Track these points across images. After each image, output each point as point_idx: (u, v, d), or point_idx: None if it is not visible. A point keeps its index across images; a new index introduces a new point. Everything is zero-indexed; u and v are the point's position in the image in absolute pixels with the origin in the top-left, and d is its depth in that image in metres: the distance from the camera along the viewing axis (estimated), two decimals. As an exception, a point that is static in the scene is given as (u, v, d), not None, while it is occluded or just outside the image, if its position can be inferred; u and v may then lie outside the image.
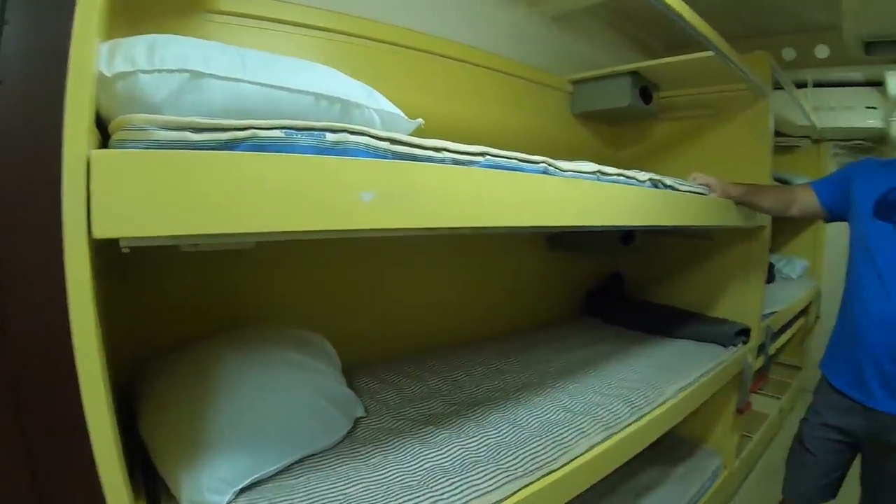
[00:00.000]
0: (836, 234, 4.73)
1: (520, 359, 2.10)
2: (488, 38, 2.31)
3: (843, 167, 2.11)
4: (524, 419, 1.55)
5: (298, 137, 0.81)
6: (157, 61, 0.83)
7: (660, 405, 1.81)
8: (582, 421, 1.56)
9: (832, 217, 2.08)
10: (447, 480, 1.20)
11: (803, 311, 4.20)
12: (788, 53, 3.03)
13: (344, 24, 1.76)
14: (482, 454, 1.33)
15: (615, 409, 1.67)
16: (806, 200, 2.11)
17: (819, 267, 5.08)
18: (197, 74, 0.85)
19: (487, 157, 1.07)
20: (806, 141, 4.79)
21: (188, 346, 1.35)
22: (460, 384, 1.80)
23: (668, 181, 1.69)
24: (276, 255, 1.71)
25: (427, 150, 0.97)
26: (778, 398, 4.07)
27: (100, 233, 0.66)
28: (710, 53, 2.10)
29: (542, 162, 1.20)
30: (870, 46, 2.66)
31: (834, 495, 2.00)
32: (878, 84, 4.05)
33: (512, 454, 1.34)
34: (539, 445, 1.39)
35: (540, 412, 1.61)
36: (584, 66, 2.77)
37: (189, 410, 1.13)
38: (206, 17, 1.48)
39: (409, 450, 1.33)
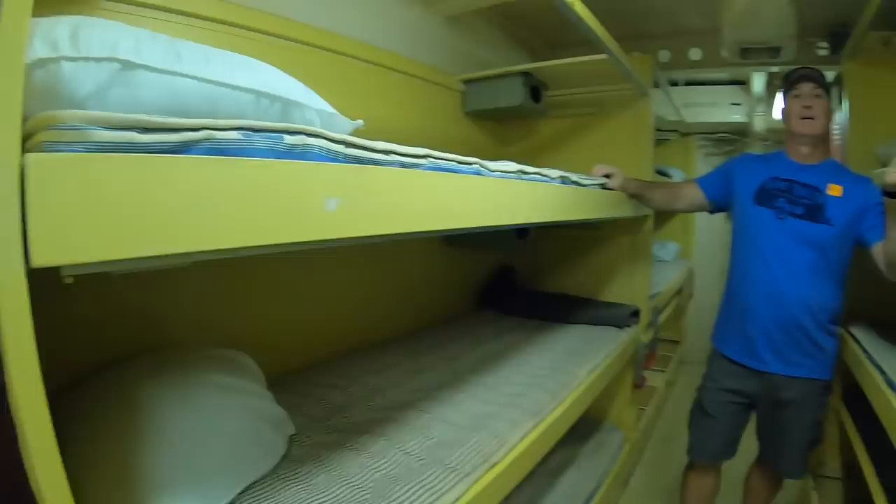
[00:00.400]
0: (703, 220, 5.32)
1: (432, 357, 2.08)
2: (384, 36, 2.25)
3: (723, 163, 2.35)
4: (454, 416, 1.54)
5: (257, 140, 0.72)
6: (83, 47, 0.70)
7: (576, 388, 1.89)
8: (510, 412, 1.58)
9: (716, 208, 2.34)
10: (402, 488, 1.15)
11: (679, 291, 4.57)
12: (664, 55, 3.24)
13: (239, 17, 1.63)
14: (426, 456, 1.30)
15: (536, 396, 1.71)
16: (693, 195, 2.35)
17: (689, 249, 5.62)
18: (128, 65, 0.73)
19: (430, 159, 1.03)
20: (675, 134, 5.20)
21: (100, 380, 1.19)
22: (380, 389, 1.74)
23: (574, 177, 1.73)
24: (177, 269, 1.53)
25: (378, 152, 0.92)
26: (663, 371, 4.47)
27: (40, 260, 0.53)
28: (603, 56, 2.21)
29: (475, 163, 1.18)
30: (745, 51, 2.94)
31: (734, 453, 2.27)
32: (742, 83, 4.46)
33: (455, 453, 1.32)
34: (478, 440, 1.39)
35: (466, 408, 1.60)
36: (475, 65, 2.81)
37: (120, 458, 0.99)
38: (96, 3, 1.30)
39: (351, 463, 1.26)
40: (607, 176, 2.22)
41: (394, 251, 2.39)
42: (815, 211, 2.01)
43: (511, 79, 2.60)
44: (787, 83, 2.12)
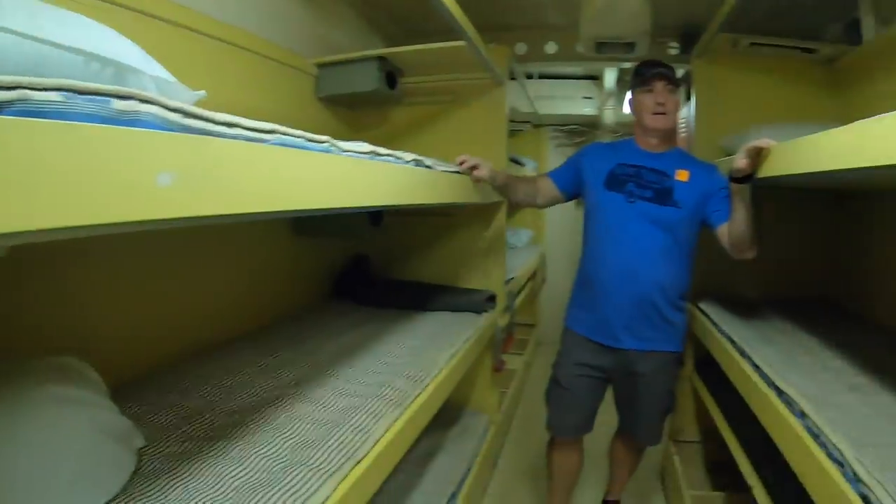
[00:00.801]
0: (554, 208, 5.40)
1: (288, 351, 1.99)
2: (237, 14, 2.11)
3: (573, 154, 2.44)
4: (315, 413, 1.48)
5: (81, 103, 0.62)
6: None
7: (437, 374, 1.88)
8: (372, 403, 1.54)
9: (569, 197, 2.42)
10: (264, 494, 1.08)
11: (532, 275, 4.77)
12: (521, 48, 3.31)
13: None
14: (287, 458, 1.24)
15: (399, 385, 1.68)
16: (547, 188, 2.41)
17: (541, 236, 5.86)
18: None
19: (277, 134, 0.97)
20: (528, 126, 5.35)
21: None
22: (235, 389, 1.63)
23: (428, 161, 1.72)
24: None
25: (219, 124, 0.82)
26: (521, 354, 4.67)
27: None
28: (461, 43, 2.23)
29: (326, 141, 1.13)
30: (600, 46, 3.07)
31: (591, 427, 2.39)
32: (595, 78, 4.66)
33: (318, 451, 1.26)
34: (341, 436, 1.34)
35: (327, 402, 1.55)
36: (332, 50, 2.72)
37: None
38: None
39: (207, 472, 1.16)
40: (473, 168, 2.20)
41: (240, 240, 2.25)
42: (663, 194, 2.14)
43: (366, 63, 2.55)
44: (640, 78, 2.19)
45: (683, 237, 2.17)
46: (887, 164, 1.02)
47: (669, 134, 2.26)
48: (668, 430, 3.16)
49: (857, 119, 1.12)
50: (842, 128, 1.24)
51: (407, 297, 2.77)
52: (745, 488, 2.15)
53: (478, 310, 2.69)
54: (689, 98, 3.20)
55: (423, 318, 2.52)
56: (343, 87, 2.61)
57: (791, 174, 1.54)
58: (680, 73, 3.54)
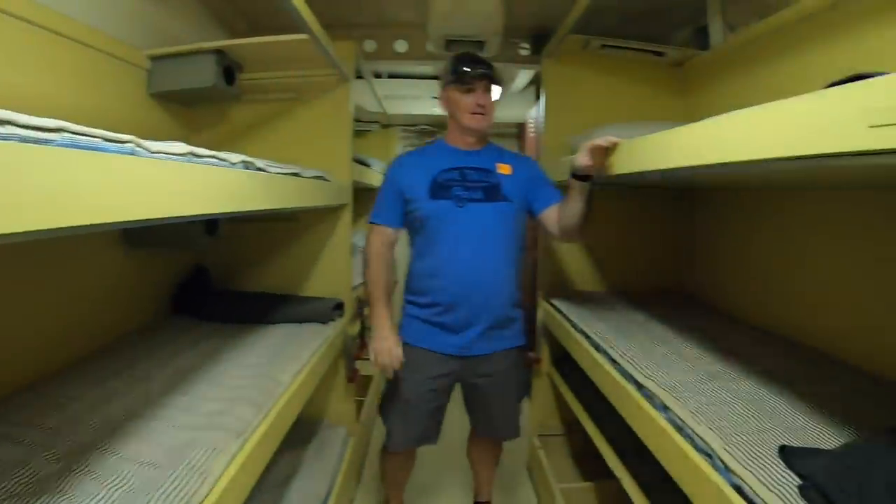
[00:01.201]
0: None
1: (120, 381, 1.72)
2: None
3: (383, 184, 2.23)
4: (148, 453, 1.27)
5: None
6: None
7: (282, 395, 1.72)
8: (210, 436, 1.36)
9: (404, 224, 2.24)
10: None
11: None
12: (370, 45, 3.18)
13: None
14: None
15: (240, 412, 1.51)
16: (389, 240, 2.22)
17: None
18: None
19: (65, 133, 0.78)
20: (376, 126, 5.22)
21: None
22: (60, 431, 1.37)
23: (259, 163, 1.53)
24: None
25: None
26: None
27: None
28: (304, 36, 2.05)
29: (130, 141, 0.93)
30: (450, 44, 2.99)
31: (437, 437, 2.31)
32: None
33: (151, 500, 1.08)
34: (175, 479, 1.15)
35: (161, 439, 1.34)
36: (169, 41, 2.42)
37: None
38: None
39: None
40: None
41: (58, 257, 1.91)
42: (492, 191, 2.13)
43: (203, 57, 2.31)
44: (459, 77, 2.11)
45: (515, 231, 2.18)
46: (723, 161, 1.07)
47: (485, 131, 2.22)
48: (531, 426, 3.21)
49: (704, 118, 1.14)
50: (683, 127, 1.28)
51: (249, 309, 2.56)
52: (615, 475, 2.19)
53: (323, 319, 2.54)
54: (538, 97, 3.23)
55: (267, 332, 2.32)
56: (177, 82, 2.34)
57: (637, 171, 1.56)
58: (531, 73, 3.63)
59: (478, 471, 2.67)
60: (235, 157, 1.36)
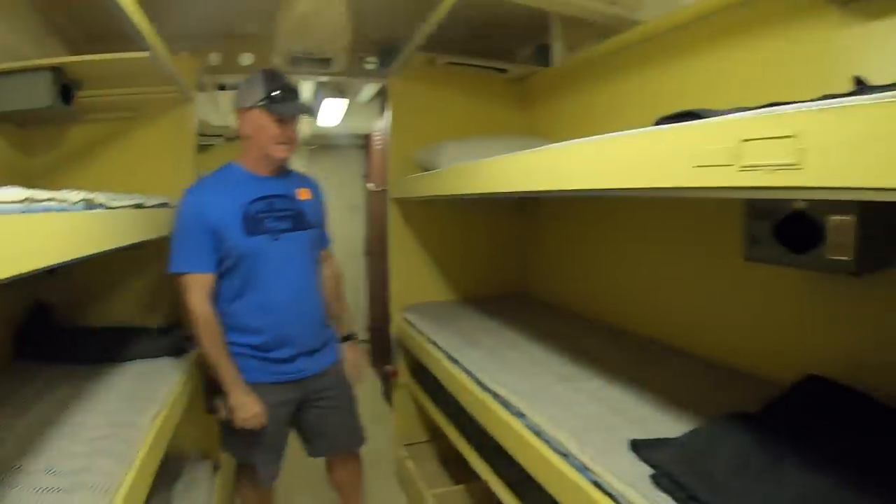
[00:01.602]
0: None
1: None
2: None
3: (188, 226, 1.98)
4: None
5: None
6: None
7: (145, 442, 1.62)
8: (77, 497, 1.26)
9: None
10: None
11: None
12: (214, 58, 3.02)
13: None
14: None
15: (104, 466, 1.40)
16: (208, 286, 1.98)
17: None
18: None
19: None
20: (220, 139, 5.00)
21: None
22: None
23: (101, 198, 1.43)
24: None
25: None
26: None
27: None
28: (145, 54, 1.93)
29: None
30: (296, 60, 2.92)
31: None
32: None
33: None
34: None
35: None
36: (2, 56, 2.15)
37: None
38: None
39: None
40: None
41: None
42: (299, 220, 2.12)
43: (37, 74, 2.10)
44: (275, 106, 2.00)
45: (317, 254, 2.25)
46: (561, 188, 1.20)
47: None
48: (396, 436, 3.27)
49: (544, 131, 1.24)
50: (525, 153, 1.41)
51: (99, 347, 2.36)
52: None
53: (176, 352, 2.41)
54: (384, 109, 3.27)
55: (121, 372, 2.17)
56: (10, 102, 2.12)
57: (481, 193, 1.70)
58: (377, 85, 3.66)
59: (346, 495, 2.64)
60: (75, 196, 1.25)
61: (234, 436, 2.09)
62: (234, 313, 2.03)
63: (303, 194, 2.17)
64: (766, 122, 0.74)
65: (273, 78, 2.02)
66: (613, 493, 1.16)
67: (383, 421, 4.11)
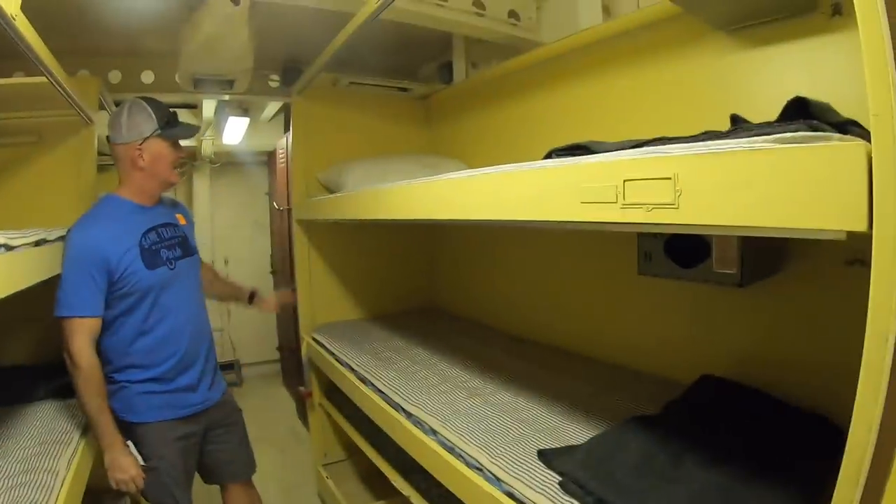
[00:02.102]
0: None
1: None
2: None
3: (72, 262, 1.83)
4: None
5: None
6: None
7: (62, 488, 1.55)
8: None
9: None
10: None
11: None
12: (115, 76, 2.91)
13: None
14: None
15: None
16: (94, 332, 1.87)
17: None
18: None
19: None
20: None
21: None
22: None
23: (1, 238, 1.35)
24: None
25: None
26: None
27: None
28: (42, 79, 1.84)
29: None
30: (198, 82, 2.86)
31: None
32: (194, 106, 4.38)
33: None
34: None
35: None
36: None
37: None
38: None
39: None
40: None
41: None
42: (185, 246, 2.13)
43: None
44: (172, 130, 2.01)
45: (199, 276, 2.25)
46: (456, 218, 1.27)
47: None
48: (314, 457, 3.28)
49: (446, 148, 1.32)
50: (424, 182, 1.50)
51: (7, 388, 2.21)
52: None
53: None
54: (287, 127, 3.26)
55: (31, 413, 2.05)
56: None
57: (383, 219, 1.79)
58: (280, 105, 3.64)
59: None
60: None
61: (150, 484, 1.99)
62: (138, 350, 1.96)
63: (181, 219, 2.17)
64: (647, 164, 0.83)
65: (157, 105, 1.99)
66: (525, 501, 1.23)
67: (301, 440, 4.11)
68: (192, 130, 2.15)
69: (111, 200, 2.01)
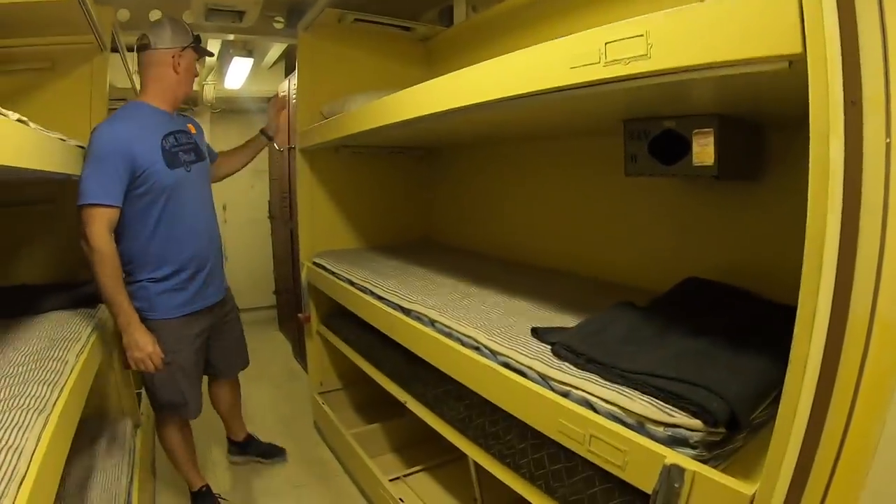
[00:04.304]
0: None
1: None
2: None
3: (106, 159, 1.97)
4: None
5: None
6: None
7: (72, 374, 1.63)
8: (10, 417, 1.28)
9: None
10: None
11: None
12: (123, 14, 2.90)
13: None
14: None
15: (35, 392, 1.43)
16: (113, 220, 2.01)
17: None
18: None
19: None
20: (123, 103, 4.82)
21: None
22: None
23: (12, 116, 1.42)
24: None
25: None
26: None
27: None
28: None
29: None
30: (211, 13, 2.91)
31: None
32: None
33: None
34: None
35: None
36: None
37: None
38: None
39: None
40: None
41: None
42: (198, 151, 2.34)
43: None
44: (201, 48, 2.31)
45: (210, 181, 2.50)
46: (463, 104, 1.38)
47: None
48: (310, 385, 3.41)
49: None
50: (427, 82, 1.60)
51: (10, 302, 2.25)
52: (397, 416, 2.48)
53: (91, 302, 2.33)
54: (288, 72, 3.31)
55: (37, 322, 2.10)
56: None
57: (395, 122, 1.84)
58: (281, 48, 3.92)
59: (232, 414, 2.88)
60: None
61: (160, 379, 2.22)
62: (156, 250, 2.14)
63: (191, 128, 2.37)
64: (622, 28, 0.95)
65: (190, 26, 2.26)
66: (521, 368, 1.33)
67: (297, 378, 4.24)
68: (211, 54, 2.50)
69: (137, 104, 2.20)
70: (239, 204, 5.81)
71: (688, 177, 1.51)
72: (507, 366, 1.39)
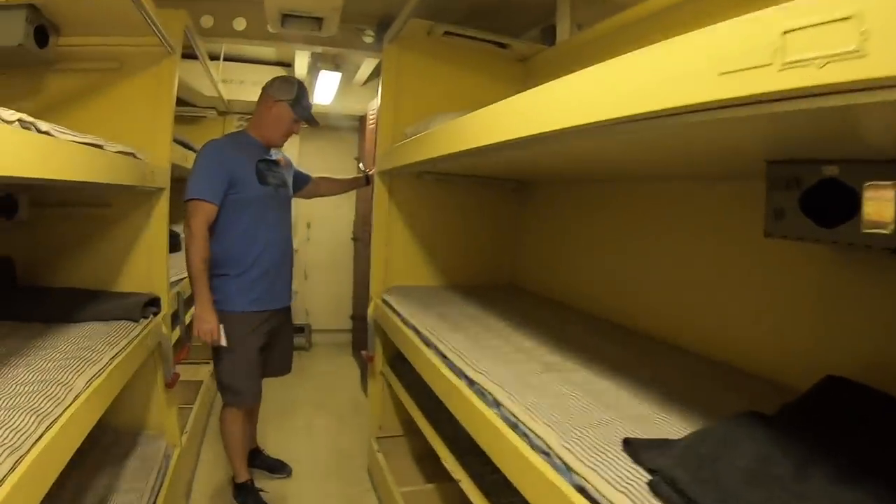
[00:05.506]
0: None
1: None
2: None
3: (209, 166, 2.45)
4: None
5: None
6: None
7: (73, 402, 1.44)
8: None
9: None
10: None
11: None
12: (207, 21, 2.93)
13: None
14: None
15: (18, 423, 1.22)
16: (211, 215, 2.42)
17: None
18: None
19: None
20: (212, 112, 4.86)
21: None
22: None
23: (43, 126, 1.29)
24: None
25: None
26: (207, 363, 3.84)
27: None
28: None
29: None
30: (286, 19, 2.79)
31: None
32: (287, 64, 4.54)
33: None
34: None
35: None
36: None
37: None
38: None
39: None
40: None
41: None
42: (284, 181, 2.74)
43: (10, 12, 1.95)
44: (301, 112, 2.62)
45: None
46: (564, 126, 1.02)
47: None
48: (369, 428, 3.15)
49: None
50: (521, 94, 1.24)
51: (52, 306, 2.20)
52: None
53: (134, 317, 2.24)
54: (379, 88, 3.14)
55: (71, 331, 1.99)
56: None
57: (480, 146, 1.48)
58: (373, 64, 3.89)
59: (252, 412, 2.99)
60: (10, 115, 1.12)
61: (226, 363, 2.56)
62: (239, 254, 2.52)
63: (283, 163, 2.76)
64: (814, 8, 0.56)
65: (303, 88, 2.64)
66: (601, 500, 0.96)
67: (361, 412, 3.96)
68: (311, 118, 2.73)
69: (242, 134, 2.72)
70: (323, 223, 5.70)
71: (852, 245, 1.08)
72: (582, 492, 1.01)
